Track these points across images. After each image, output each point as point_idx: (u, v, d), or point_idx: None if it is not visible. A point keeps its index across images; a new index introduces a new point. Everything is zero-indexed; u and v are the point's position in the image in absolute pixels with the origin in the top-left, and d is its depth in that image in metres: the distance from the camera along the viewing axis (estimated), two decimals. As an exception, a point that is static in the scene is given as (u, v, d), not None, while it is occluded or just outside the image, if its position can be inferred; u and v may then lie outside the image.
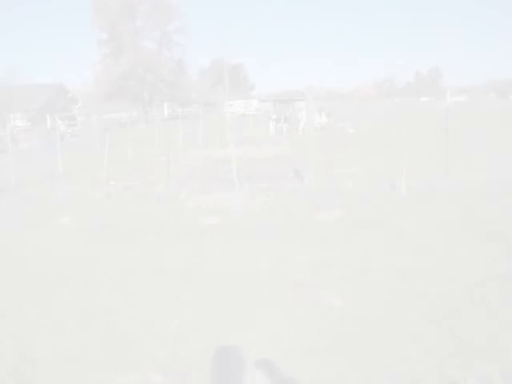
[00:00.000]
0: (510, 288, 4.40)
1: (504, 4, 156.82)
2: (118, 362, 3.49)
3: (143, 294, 4.72)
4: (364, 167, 12.14)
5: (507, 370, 3.16)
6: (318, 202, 8.21)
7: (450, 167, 9.79)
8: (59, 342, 3.83)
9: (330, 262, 5.29)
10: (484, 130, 21.43)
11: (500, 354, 3.34)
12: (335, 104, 46.69)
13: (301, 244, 6.01)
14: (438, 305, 4.12)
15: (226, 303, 4.41)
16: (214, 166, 13.45)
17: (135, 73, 67.17)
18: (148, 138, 20.30)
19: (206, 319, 4.11)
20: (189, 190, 10.02)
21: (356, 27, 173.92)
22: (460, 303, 4.13)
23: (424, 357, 3.34)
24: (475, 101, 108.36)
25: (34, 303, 4.64)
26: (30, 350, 3.75)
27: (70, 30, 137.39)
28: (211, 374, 3.31)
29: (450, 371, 3.17)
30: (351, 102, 71.06)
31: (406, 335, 3.64)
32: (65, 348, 3.73)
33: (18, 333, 4.03)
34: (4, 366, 3.54)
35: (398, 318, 3.92)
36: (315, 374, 3.22)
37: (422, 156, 8.42)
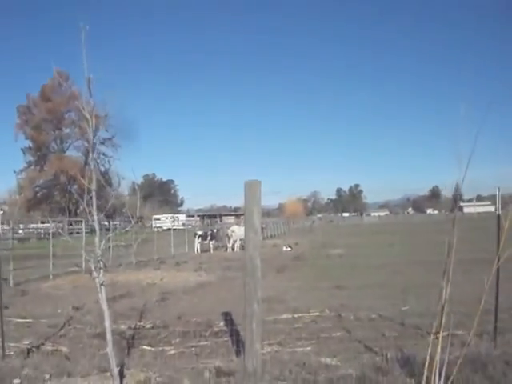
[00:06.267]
0: None
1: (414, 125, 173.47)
2: None
3: None
4: (328, 310, 8.36)
5: None
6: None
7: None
8: None
9: None
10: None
11: None
12: (263, 220, 44.73)
13: None
14: None
15: None
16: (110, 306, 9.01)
17: (59, 183, 63.16)
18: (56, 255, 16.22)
19: None
20: (36, 363, 5.58)
21: (279, 147, 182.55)
22: None
23: None
24: (396, 215, 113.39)
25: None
26: None
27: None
28: None
29: None
30: (279, 218, 71.06)
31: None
32: None
33: None
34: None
35: None
36: None
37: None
